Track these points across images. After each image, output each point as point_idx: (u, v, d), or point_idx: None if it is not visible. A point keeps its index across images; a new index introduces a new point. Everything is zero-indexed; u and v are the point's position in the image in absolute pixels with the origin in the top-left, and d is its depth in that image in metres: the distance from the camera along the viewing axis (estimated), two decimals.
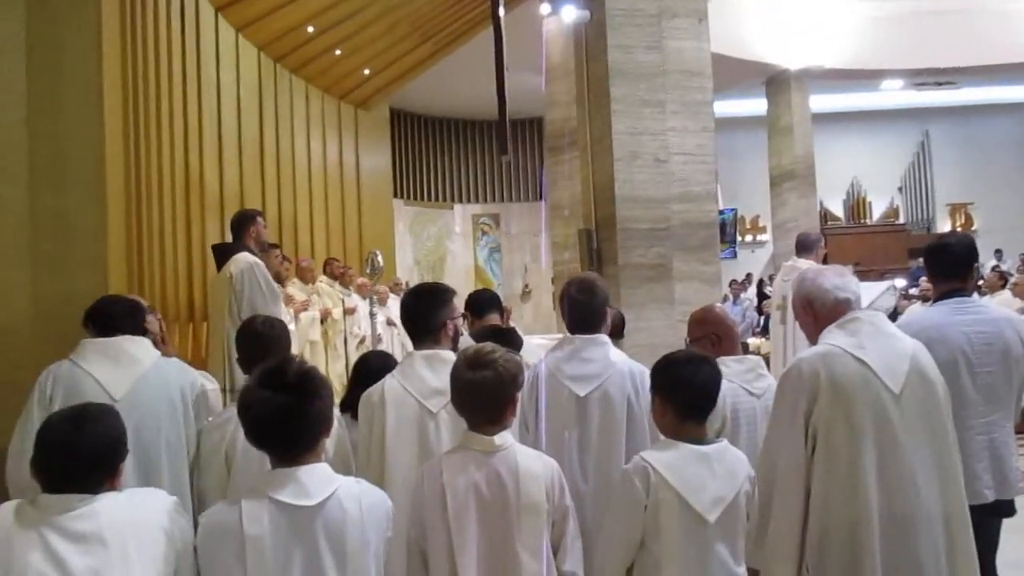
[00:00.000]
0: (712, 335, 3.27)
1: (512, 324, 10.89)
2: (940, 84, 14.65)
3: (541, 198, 17.10)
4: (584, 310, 3.13)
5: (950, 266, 3.23)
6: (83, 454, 2.03)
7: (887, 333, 2.59)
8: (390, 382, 2.72)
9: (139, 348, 3.19)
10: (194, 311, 8.17)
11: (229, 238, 5.76)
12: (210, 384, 3.67)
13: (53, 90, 4.88)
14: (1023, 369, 3.11)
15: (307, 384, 2.02)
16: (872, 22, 13.46)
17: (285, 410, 1.98)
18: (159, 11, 7.48)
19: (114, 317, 3.25)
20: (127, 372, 3.07)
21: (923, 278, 11.81)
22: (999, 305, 9.08)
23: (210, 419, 3.37)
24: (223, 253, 5.21)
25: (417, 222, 17.32)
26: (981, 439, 3.03)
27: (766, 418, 2.84)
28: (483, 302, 4.07)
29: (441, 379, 2.65)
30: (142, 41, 6.77)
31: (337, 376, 8.58)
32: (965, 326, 3.06)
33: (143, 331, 3.37)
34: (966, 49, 13.61)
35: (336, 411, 2.95)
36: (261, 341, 2.96)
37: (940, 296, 3.23)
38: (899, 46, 13.53)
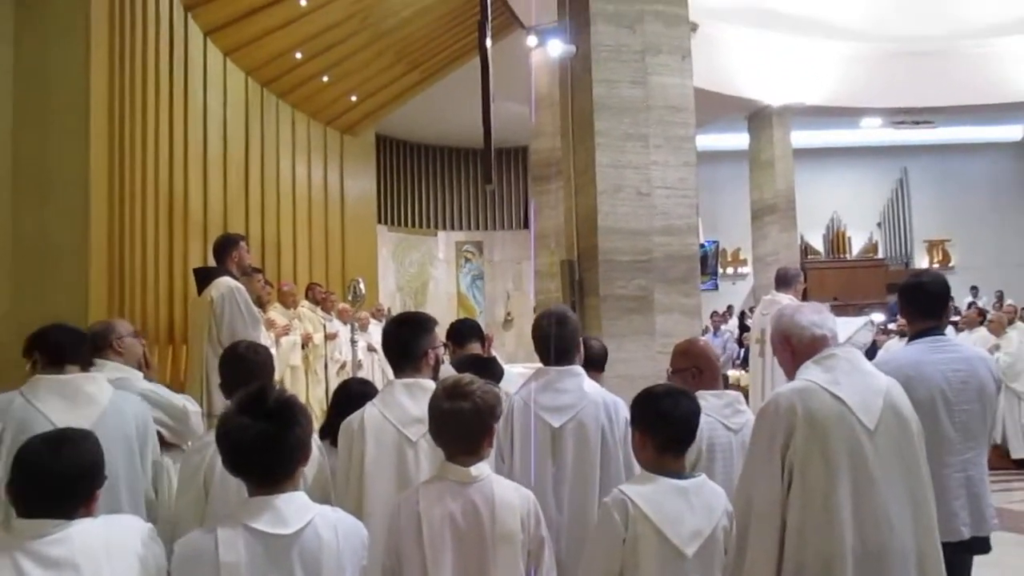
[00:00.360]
0: (693, 368, 3.29)
1: (494, 352, 10.89)
2: (918, 123, 14.89)
3: (525, 226, 17.19)
4: (557, 341, 3.16)
5: (925, 304, 3.28)
6: (60, 478, 2.02)
7: (862, 370, 2.63)
8: (370, 410, 2.73)
9: (95, 386, 3.08)
10: (174, 334, 8.13)
11: (211, 261, 5.76)
12: (193, 407, 3.65)
13: (40, 110, 4.90)
14: (995, 407, 3.17)
15: (286, 412, 2.02)
16: (852, 61, 13.71)
17: (264, 437, 1.98)
18: (148, 34, 7.52)
19: (63, 347, 3.13)
20: (83, 414, 2.94)
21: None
22: (976, 341, 9.23)
23: (190, 443, 3.37)
24: (205, 277, 5.21)
25: (400, 248, 17.33)
26: (958, 476, 3.07)
27: (743, 453, 2.86)
28: (464, 331, 4.09)
29: (421, 408, 2.66)
30: (130, 63, 6.80)
31: (317, 401, 8.54)
32: (942, 364, 3.10)
33: (90, 362, 3.30)
34: (943, 89, 13.88)
35: (316, 438, 2.95)
36: (245, 366, 2.96)
37: (916, 334, 3.27)
38: (878, 85, 13.78)
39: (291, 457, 2.03)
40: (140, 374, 3.65)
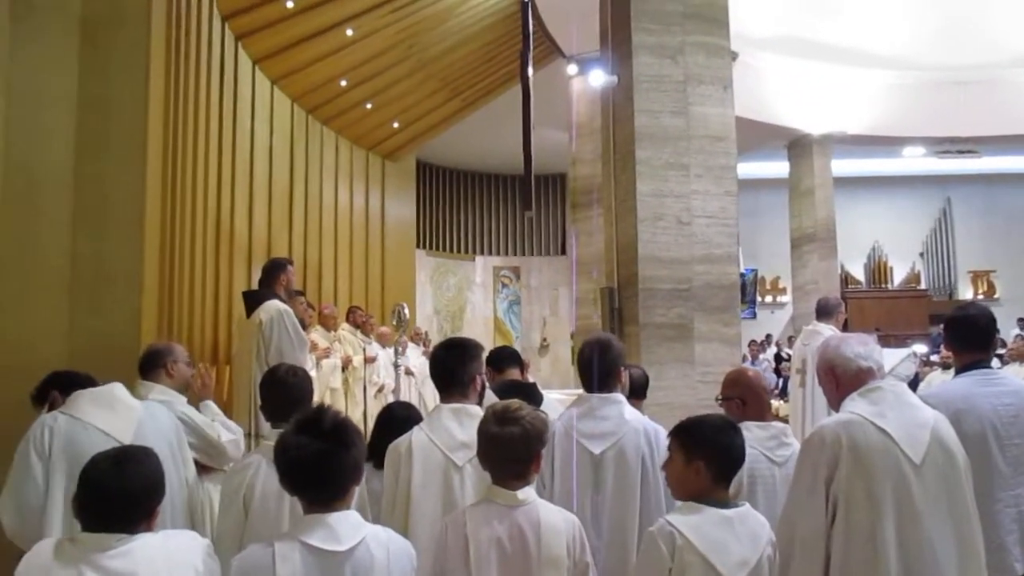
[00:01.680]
0: (739, 399, 3.30)
1: (531, 378, 10.90)
2: (962, 152, 14.72)
3: (563, 252, 17.24)
4: (599, 369, 3.19)
5: (973, 337, 3.25)
6: (123, 494, 2.10)
7: (908, 403, 2.62)
8: (418, 434, 2.78)
9: (126, 393, 3.31)
10: (218, 354, 8.29)
11: (255, 284, 5.89)
12: (229, 435, 3.75)
13: (100, 140, 5.08)
14: None
15: (343, 433, 2.10)
16: (894, 90, 13.63)
17: (321, 457, 2.05)
18: (200, 63, 7.76)
19: (80, 383, 3.37)
20: (126, 417, 3.17)
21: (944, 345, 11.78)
22: (1022, 373, 9.06)
23: (231, 464, 3.46)
24: (254, 299, 5.32)
25: (438, 272, 17.47)
26: (1011, 511, 3.02)
27: (786, 485, 2.86)
28: (504, 357, 4.13)
29: (468, 433, 2.71)
30: (183, 93, 7.01)
31: (357, 424, 8.63)
32: (993, 397, 3.07)
33: None
34: (988, 119, 13.72)
35: None
36: (285, 389, 3.04)
37: (963, 367, 3.24)
38: (921, 115, 13.66)
39: (346, 477, 2.10)
40: (183, 398, 3.78)
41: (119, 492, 2.10)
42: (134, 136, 5.18)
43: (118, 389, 3.28)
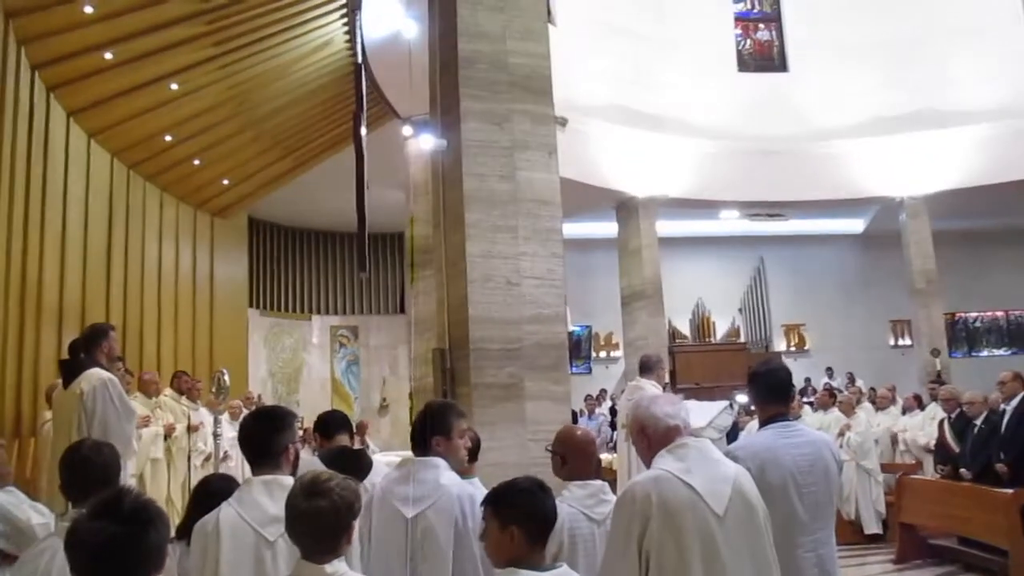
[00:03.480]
0: (560, 455, 3.37)
1: (368, 440, 10.67)
2: (771, 215, 15.95)
3: (402, 311, 17.16)
4: (420, 432, 3.22)
5: (774, 392, 3.49)
6: None
7: (712, 458, 2.77)
8: (226, 510, 2.64)
9: None
10: (20, 426, 7.63)
11: (65, 349, 5.49)
12: (41, 518, 3.44)
13: None
14: (838, 486, 3.38)
15: (143, 514, 1.94)
16: (709, 158, 14.65)
17: (119, 541, 1.88)
18: (5, 112, 7.28)
19: None
20: None
21: None
22: (830, 422, 9.78)
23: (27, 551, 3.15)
24: (72, 369, 4.97)
25: (273, 333, 16.92)
26: (810, 556, 3.23)
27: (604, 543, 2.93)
28: (332, 423, 4.02)
29: (279, 506, 2.59)
30: None
31: (176, 495, 8.12)
32: (792, 448, 3.29)
33: None
34: (793, 185, 14.99)
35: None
36: (88, 468, 2.82)
37: (766, 420, 3.45)
38: (734, 180, 14.74)
39: (147, 563, 1.93)
40: None
41: None
42: None
43: None
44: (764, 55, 16.35)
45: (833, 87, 15.16)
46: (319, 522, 2.29)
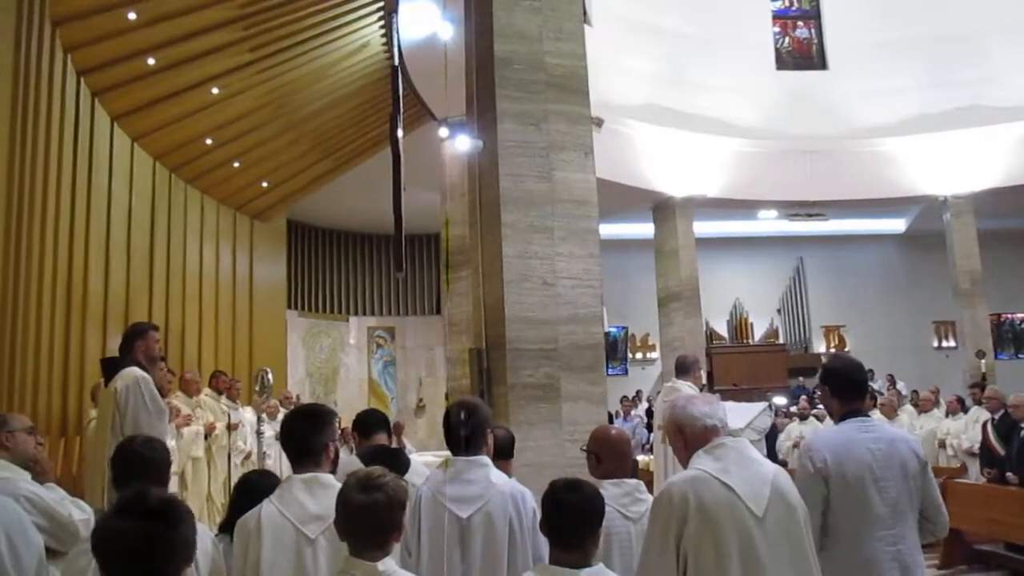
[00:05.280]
0: (595, 454, 3.38)
1: (405, 440, 10.72)
2: (811, 216, 15.73)
3: (438, 312, 17.23)
4: (466, 432, 3.18)
5: (854, 387, 3.45)
6: None
7: (751, 459, 2.74)
8: (267, 507, 2.67)
9: None
10: (67, 425, 7.79)
11: (112, 348, 5.59)
12: (82, 514, 3.49)
13: None
14: (919, 483, 3.29)
15: (169, 511, 1.95)
16: (747, 157, 14.51)
17: (145, 538, 1.90)
18: (52, 117, 7.44)
19: None
20: None
21: (803, 397, 12.40)
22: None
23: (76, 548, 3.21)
24: (111, 367, 5.05)
25: (311, 334, 17.09)
26: (889, 550, 3.17)
27: (641, 541, 2.92)
28: (370, 423, 4.02)
29: (320, 504, 2.63)
30: (32, 148, 6.69)
31: (217, 493, 8.24)
32: (871, 442, 3.24)
33: None
34: (834, 185, 14.78)
35: (211, 533, 2.87)
36: (140, 463, 2.86)
37: (844, 415, 3.41)
38: (773, 180, 14.58)
39: (175, 558, 1.95)
40: (27, 474, 3.48)
41: None
42: None
43: None
44: (803, 53, 16.14)
45: (874, 84, 14.90)
46: (375, 516, 2.29)
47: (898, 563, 3.17)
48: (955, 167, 14.78)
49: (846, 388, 3.43)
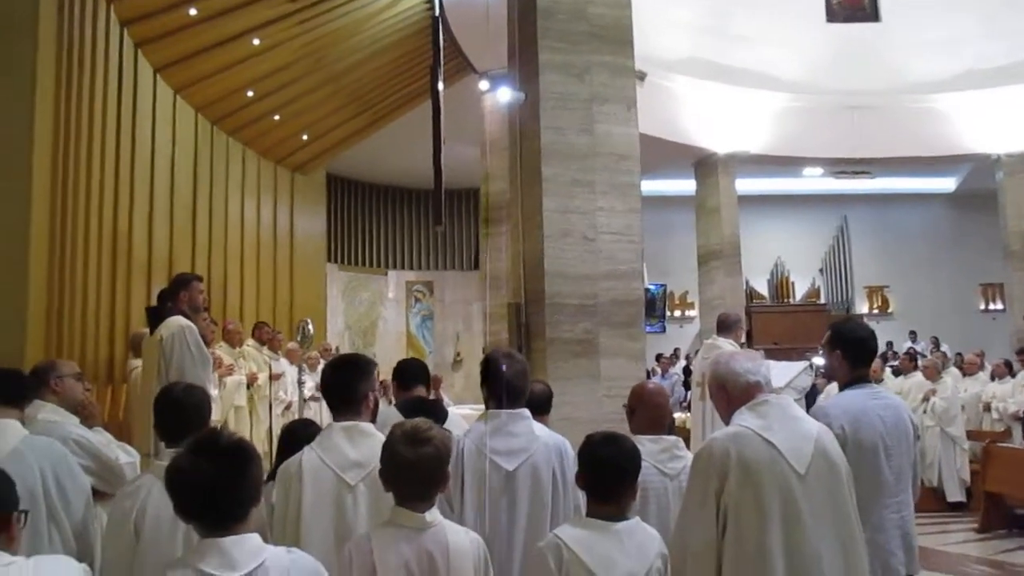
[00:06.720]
0: (629, 407, 3.37)
1: (442, 394, 10.83)
2: (857, 173, 15.36)
3: (476, 267, 17.26)
4: (508, 384, 3.17)
5: (868, 355, 3.40)
6: None
7: (794, 416, 2.70)
8: (308, 454, 2.70)
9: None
10: (113, 373, 7.97)
11: (154, 299, 5.68)
12: (128, 457, 3.57)
13: None
14: (915, 451, 3.30)
15: (241, 453, 1.99)
16: (792, 112, 14.17)
17: (218, 478, 1.94)
18: (96, 69, 7.47)
19: None
20: None
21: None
22: (912, 387, 9.50)
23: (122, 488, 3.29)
24: (156, 316, 5.14)
25: (350, 287, 17.25)
26: (894, 517, 3.16)
27: (679, 498, 2.91)
28: (410, 372, 4.03)
29: (360, 451, 2.65)
30: (76, 101, 6.74)
31: (260, 442, 8.41)
32: (881, 410, 3.21)
33: (21, 402, 3.24)
34: (881, 141, 14.39)
35: None
36: (180, 409, 2.91)
37: (853, 380, 3.35)
38: (818, 137, 14.24)
39: (245, 498, 1.98)
40: (75, 419, 3.57)
41: None
42: (18, 143, 4.93)
43: None
44: (854, 4, 15.58)
45: (927, 38, 14.36)
46: (424, 468, 2.31)
47: (901, 530, 3.17)
48: (1009, 124, 14.28)
49: (861, 354, 3.37)
